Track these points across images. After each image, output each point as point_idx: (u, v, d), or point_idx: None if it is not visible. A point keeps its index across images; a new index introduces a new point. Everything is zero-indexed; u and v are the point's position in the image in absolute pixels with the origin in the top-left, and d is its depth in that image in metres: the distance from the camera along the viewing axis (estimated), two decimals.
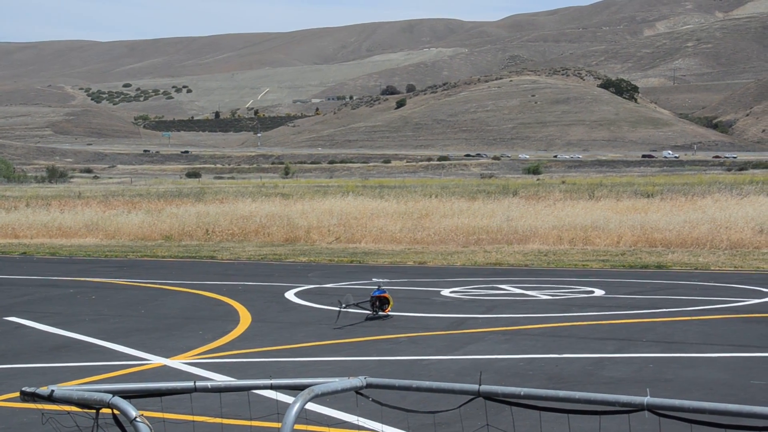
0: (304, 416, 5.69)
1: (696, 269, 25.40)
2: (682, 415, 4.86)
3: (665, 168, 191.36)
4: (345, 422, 9.28)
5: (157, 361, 13.56)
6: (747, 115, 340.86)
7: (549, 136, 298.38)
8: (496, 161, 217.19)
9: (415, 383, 5.57)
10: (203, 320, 17.54)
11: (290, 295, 20.98)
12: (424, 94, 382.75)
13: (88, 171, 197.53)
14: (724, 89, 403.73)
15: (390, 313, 17.08)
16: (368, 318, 16.67)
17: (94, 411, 5.24)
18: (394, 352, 14.11)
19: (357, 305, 17.52)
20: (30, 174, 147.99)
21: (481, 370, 11.73)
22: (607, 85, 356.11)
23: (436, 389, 5.47)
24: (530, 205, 43.44)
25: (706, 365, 12.81)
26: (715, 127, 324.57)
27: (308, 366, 13.12)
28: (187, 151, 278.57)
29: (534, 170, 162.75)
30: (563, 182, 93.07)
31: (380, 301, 17.47)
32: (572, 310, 18.09)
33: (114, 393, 5.28)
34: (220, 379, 11.79)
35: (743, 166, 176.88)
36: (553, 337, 15.12)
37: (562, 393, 5.12)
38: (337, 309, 16.27)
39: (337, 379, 5.62)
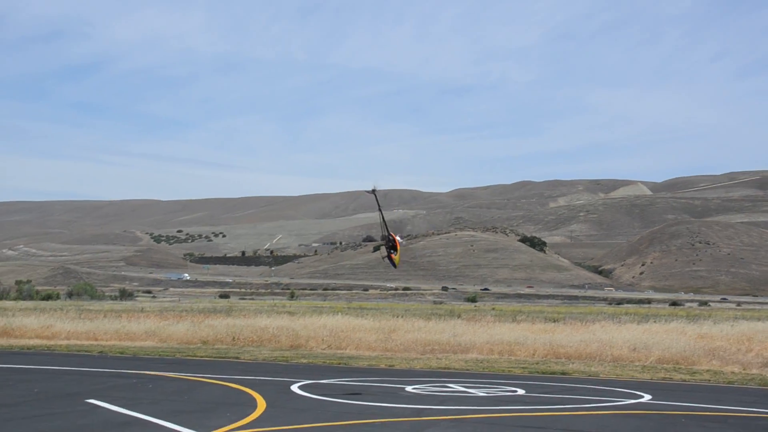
0: None
1: (589, 376, 25.18)
2: None
3: (566, 301, 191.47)
4: None
5: None
6: (621, 265, 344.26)
7: (483, 275, 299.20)
8: (445, 292, 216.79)
9: None
10: (230, 405, 17.14)
11: (295, 387, 20.59)
12: None
13: (149, 292, 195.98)
14: (606, 246, 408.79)
15: (393, 260, 16.70)
16: (381, 238, 16.45)
17: None
18: None
19: (385, 223, 17.38)
20: (107, 294, 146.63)
21: None
22: (524, 240, 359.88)
23: None
24: (470, 325, 43.17)
25: None
26: (600, 273, 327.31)
27: None
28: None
29: (472, 299, 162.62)
30: (493, 309, 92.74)
31: (392, 243, 16.98)
32: (501, 404, 17.83)
33: None
34: None
35: (620, 301, 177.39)
36: (488, 424, 14.85)
37: None
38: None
39: None
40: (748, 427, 15.11)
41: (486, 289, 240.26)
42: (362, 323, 43.98)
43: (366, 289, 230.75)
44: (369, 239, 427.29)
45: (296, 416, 15.58)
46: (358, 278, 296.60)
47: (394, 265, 18.34)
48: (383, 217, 18.51)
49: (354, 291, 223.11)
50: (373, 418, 15.41)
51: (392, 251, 17.86)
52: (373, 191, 17.94)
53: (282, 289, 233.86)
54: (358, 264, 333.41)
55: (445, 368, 27.06)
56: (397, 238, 18.21)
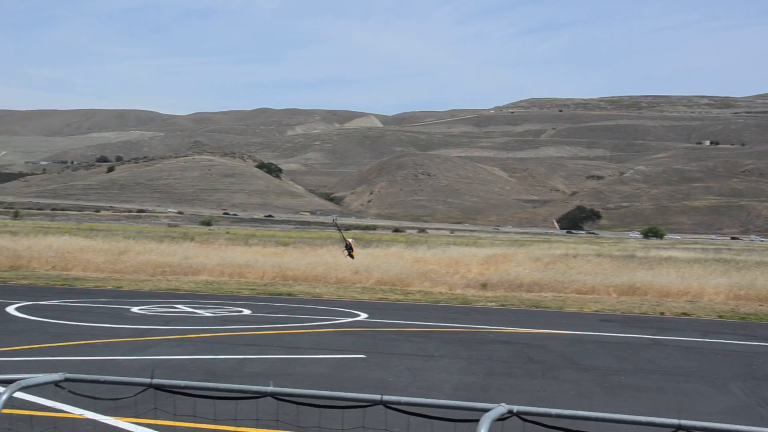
0: (12, 404, 5.25)
1: (314, 297, 26.07)
2: (298, 400, 4.97)
3: (298, 226, 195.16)
4: (48, 407, 8.61)
5: None
6: (352, 193, 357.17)
7: (219, 199, 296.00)
8: (180, 215, 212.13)
9: (102, 377, 5.27)
10: None
11: (11, 309, 19.26)
12: (129, 163, 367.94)
13: None
14: (338, 175, 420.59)
15: (352, 256, 20.86)
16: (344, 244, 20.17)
17: None
18: (92, 353, 13.32)
19: (339, 230, 22.88)
20: None
21: (155, 368, 11.36)
22: (261, 166, 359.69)
23: (119, 382, 5.23)
24: (203, 248, 42.74)
25: (314, 364, 13.14)
26: (331, 200, 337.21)
27: (21, 364, 12.07)
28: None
29: (207, 223, 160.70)
30: (227, 232, 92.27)
31: (349, 246, 21.00)
32: (227, 324, 17.96)
33: None
34: None
35: (348, 228, 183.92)
36: (212, 344, 14.91)
37: (211, 384, 5.08)
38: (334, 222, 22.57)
39: (41, 375, 5.23)
40: (446, 340, 16.52)
41: (270, 215, 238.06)
42: (91, 244, 41.95)
43: (98, 210, 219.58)
44: (103, 159, 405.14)
45: (9, 338, 14.62)
46: (90, 199, 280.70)
47: (352, 258, 23.85)
48: (343, 236, 24.71)
49: (85, 212, 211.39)
50: (95, 339, 14.87)
51: (351, 250, 22.82)
52: (334, 222, 23.99)
53: (5, 208, 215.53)
54: (90, 184, 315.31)
55: (174, 290, 26.68)
56: (351, 242, 23.31)
